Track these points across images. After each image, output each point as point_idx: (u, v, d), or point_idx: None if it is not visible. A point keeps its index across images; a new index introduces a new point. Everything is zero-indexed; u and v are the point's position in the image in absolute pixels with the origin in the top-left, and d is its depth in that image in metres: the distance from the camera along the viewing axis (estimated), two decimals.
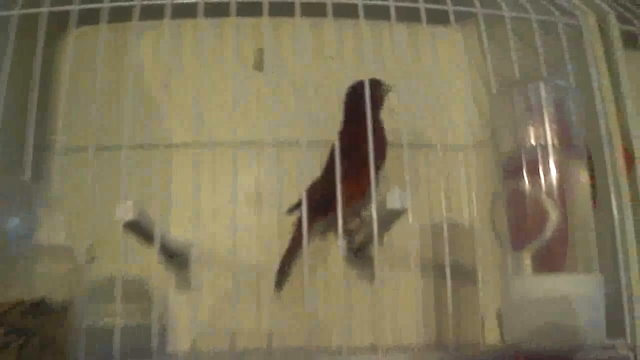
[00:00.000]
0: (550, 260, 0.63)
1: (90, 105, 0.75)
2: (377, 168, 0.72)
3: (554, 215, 0.63)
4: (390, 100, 0.83)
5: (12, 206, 0.62)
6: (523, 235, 0.65)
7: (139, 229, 0.69)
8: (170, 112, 0.88)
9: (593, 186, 0.70)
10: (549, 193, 0.64)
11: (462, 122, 0.88)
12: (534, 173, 0.65)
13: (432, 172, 0.88)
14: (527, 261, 0.64)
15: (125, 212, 0.65)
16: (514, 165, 0.66)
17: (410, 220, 0.69)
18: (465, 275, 0.77)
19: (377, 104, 0.81)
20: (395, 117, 0.82)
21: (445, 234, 0.72)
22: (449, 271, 0.71)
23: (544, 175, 0.64)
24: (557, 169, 0.64)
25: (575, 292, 0.62)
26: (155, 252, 0.70)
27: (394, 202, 0.65)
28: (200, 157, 0.85)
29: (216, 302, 0.83)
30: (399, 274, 0.84)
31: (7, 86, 0.73)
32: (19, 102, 0.76)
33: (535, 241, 0.63)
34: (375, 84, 0.81)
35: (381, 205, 0.67)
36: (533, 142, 0.65)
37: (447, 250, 0.71)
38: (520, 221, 0.66)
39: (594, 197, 0.69)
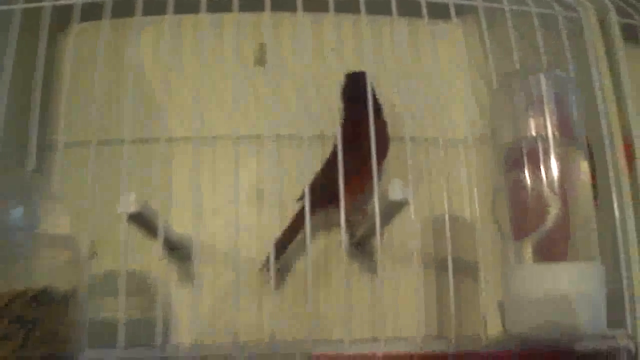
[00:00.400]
0: (551, 250, 0.64)
1: (90, 102, 0.76)
2: (379, 165, 0.72)
3: (555, 206, 0.63)
4: (391, 96, 0.84)
5: (15, 199, 0.62)
6: (524, 226, 0.65)
7: (142, 222, 0.69)
8: (171, 109, 0.88)
9: (594, 186, 0.70)
10: (550, 184, 0.64)
11: (462, 117, 0.88)
12: (534, 164, 0.65)
13: (433, 167, 0.88)
14: (529, 251, 0.64)
15: (128, 204, 0.65)
16: (514, 156, 0.67)
17: (412, 215, 0.70)
18: (466, 269, 0.77)
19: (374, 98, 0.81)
20: (395, 111, 0.83)
21: (447, 229, 0.72)
22: (451, 266, 0.71)
23: (545, 166, 0.64)
24: (557, 160, 0.64)
25: (576, 281, 0.62)
26: (157, 246, 0.70)
27: (395, 193, 0.65)
28: (200, 153, 0.85)
29: (216, 299, 0.83)
30: (400, 268, 0.84)
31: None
32: (19, 99, 0.76)
33: (536, 232, 0.64)
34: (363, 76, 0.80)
35: (382, 197, 0.68)
36: (534, 133, 0.66)
37: (449, 248, 0.71)
38: (521, 212, 0.66)
39: (595, 197, 0.70)
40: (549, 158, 0.64)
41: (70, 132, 0.79)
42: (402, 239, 0.82)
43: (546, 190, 0.64)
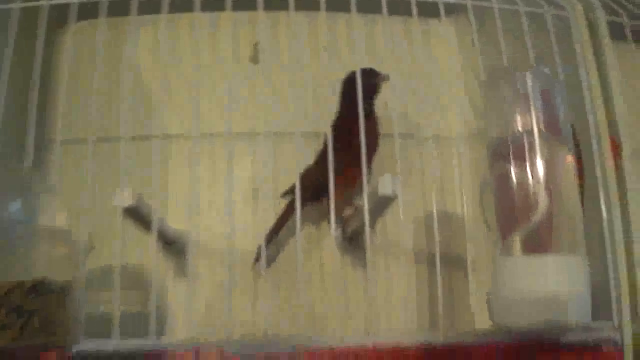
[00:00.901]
0: (536, 243, 0.64)
1: (88, 99, 0.77)
2: (369, 160, 0.73)
3: (543, 201, 0.64)
4: (384, 93, 0.85)
5: (13, 192, 0.63)
6: (511, 220, 0.66)
7: (137, 216, 0.70)
8: (168, 106, 0.89)
9: (581, 185, 0.71)
10: (536, 178, 0.65)
11: (455, 114, 0.89)
12: (521, 159, 0.66)
13: (425, 163, 0.89)
14: (516, 245, 0.65)
15: (123, 198, 0.66)
16: (502, 151, 0.67)
17: (401, 210, 0.70)
18: (458, 265, 0.78)
19: (371, 93, 0.82)
20: (388, 109, 0.84)
21: (435, 225, 0.73)
22: (440, 262, 0.72)
23: (531, 161, 0.65)
24: (543, 154, 0.65)
25: (561, 273, 0.63)
26: (152, 240, 0.71)
27: (385, 188, 0.66)
28: (197, 150, 0.86)
29: (212, 293, 0.84)
30: (393, 263, 0.85)
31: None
32: (18, 97, 0.77)
33: (524, 226, 0.64)
34: (370, 74, 0.82)
35: (373, 192, 0.68)
36: (520, 128, 0.66)
37: (437, 244, 0.72)
38: (508, 206, 0.67)
39: (582, 197, 0.70)
40: (535, 153, 0.65)
41: (68, 128, 0.80)
42: (395, 235, 0.83)
43: (533, 184, 0.65)
